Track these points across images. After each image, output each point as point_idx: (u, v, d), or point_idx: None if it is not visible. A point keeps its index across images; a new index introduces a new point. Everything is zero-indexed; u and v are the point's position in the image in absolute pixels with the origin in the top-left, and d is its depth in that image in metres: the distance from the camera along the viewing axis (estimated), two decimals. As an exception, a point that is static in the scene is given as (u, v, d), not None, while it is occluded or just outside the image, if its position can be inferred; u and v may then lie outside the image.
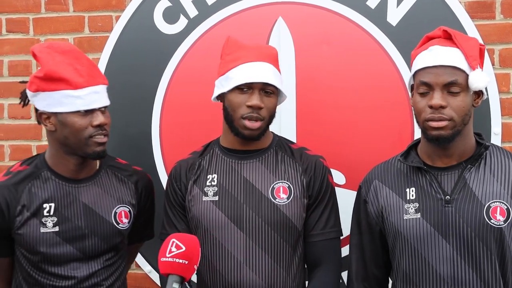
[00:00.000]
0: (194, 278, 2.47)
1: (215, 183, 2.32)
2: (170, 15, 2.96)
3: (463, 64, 2.04)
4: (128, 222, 2.39)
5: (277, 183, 2.30)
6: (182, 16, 2.96)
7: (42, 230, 2.26)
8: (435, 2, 2.73)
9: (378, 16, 2.78)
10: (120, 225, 2.36)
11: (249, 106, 2.23)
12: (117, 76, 3.00)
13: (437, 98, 2.02)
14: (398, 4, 2.77)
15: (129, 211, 2.40)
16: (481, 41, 2.66)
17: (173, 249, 1.88)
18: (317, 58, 2.83)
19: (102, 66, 3.02)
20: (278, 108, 2.73)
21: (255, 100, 2.22)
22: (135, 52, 2.99)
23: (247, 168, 2.32)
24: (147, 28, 2.97)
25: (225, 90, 2.28)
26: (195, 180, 2.35)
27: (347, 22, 2.80)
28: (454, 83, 2.03)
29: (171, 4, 2.96)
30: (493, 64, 2.73)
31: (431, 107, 2.03)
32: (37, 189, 2.29)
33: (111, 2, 3.05)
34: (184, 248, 1.88)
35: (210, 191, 2.31)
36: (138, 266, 3.07)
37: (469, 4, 2.75)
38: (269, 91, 2.26)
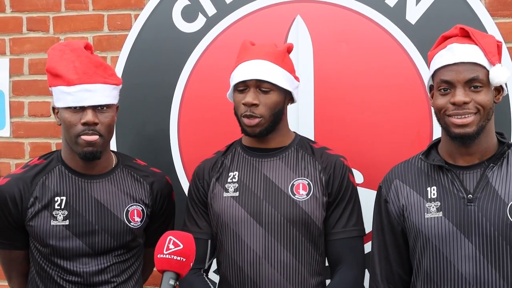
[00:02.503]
0: (213, 276, 2.48)
1: (236, 179, 2.34)
2: (189, 14, 2.97)
3: (483, 60, 2.04)
4: (141, 221, 2.39)
5: (296, 180, 2.31)
6: (200, 15, 2.96)
7: (52, 223, 2.29)
8: (455, 0, 2.71)
9: (397, 14, 2.77)
10: (131, 223, 2.36)
11: (244, 104, 2.27)
12: (136, 74, 3.02)
13: (460, 95, 2.02)
14: (417, 2, 2.75)
15: (142, 210, 2.40)
16: (500, 39, 2.65)
17: (171, 246, 1.89)
18: (335, 56, 2.82)
19: (120, 64, 3.04)
20: (295, 106, 2.75)
21: (247, 97, 2.26)
22: (154, 51, 3.00)
23: (267, 166, 2.34)
24: (166, 27, 2.98)
25: (229, 91, 2.36)
26: (217, 178, 2.38)
27: (366, 21, 2.79)
28: (476, 79, 2.03)
29: (189, 3, 2.97)
30: (513, 62, 2.70)
31: (454, 104, 2.03)
32: (50, 183, 2.33)
33: (130, 1, 3.06)
34: (181, 246, 1.90)
35: (231, 187, 2.34)
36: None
37: (489, 1, 2.72)
38: (265, 88, 2.27)
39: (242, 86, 2.29)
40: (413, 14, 2.76)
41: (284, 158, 2.35)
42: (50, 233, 2.29)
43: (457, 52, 2.06)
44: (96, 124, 2.24)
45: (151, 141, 3.00)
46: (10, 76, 3.19)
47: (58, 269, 2.31)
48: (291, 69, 2.35)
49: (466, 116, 2.03)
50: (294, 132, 2.46)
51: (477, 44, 2.07)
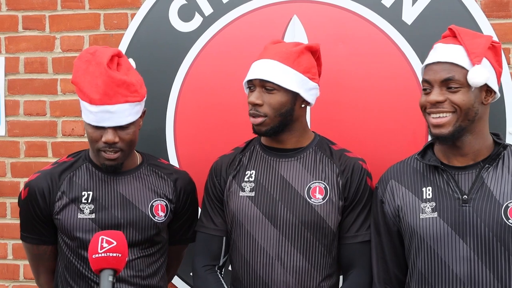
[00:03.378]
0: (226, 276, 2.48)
1: (253, 179, 2.34)
2: (185, 13, 2.97)
3: (462, 60, 2.05)
4: (165, 216, 2.44)
5: (313, 183, 2.31)
6: (197, 14, 2.96)
7: (80, 216, 2.36)
8: (451, 1, 2.73)
9: (393, 14, 2.78)
10: (156, 217, 2.41)
11: (249, 103, 2.29)
12: (132, 73, 3.01)
13: (434, 94, 2.05)
14: (413, 3, 2.76)
15: (166, 205, 2.45)
16: (496, 40, 2.66)
17: (105, 244, 1.95)
18: (331, 56, 2.82)
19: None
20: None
21: (251, 97, 2.29)
22: (150, 50, 3.00)
23: (284, 166, 2.34)
24: (162, 26, 2.98)
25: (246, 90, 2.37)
26: (234, 176, 2.38)
27: (362, 21, 2.80)
28: (451, 79, 2.04)
29: (186, 2, 2.97)
30: (508, 63, 2.72)
31: (429, 103, 2.06)
32: (77, 178, 2.41)
33: (127, 0, 3.06)
34: (115, 243, 1.96)
35: (247, 187, 2.34)
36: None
37: (485, 2, 2.74)
38: (269, 87, 2.27)
39: (250, 85, 2.31)
40: (409, 14, 2.77)
41: (301, 159, 2.34)
42: (77, 226, 2.35)
43: (439, 52, 2.09)
44: (116, 142, 2.29)
45: (147, 140, 2.99)
46: (5, 75, 3.18)
47: (85, 262, 2.33)
48: (305, 70, 2.30)
49: (442, 116, 2.05)
50: (313, 132, 2.45)
51: (461, 44, 2.07)
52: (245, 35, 2.87)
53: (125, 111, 2.28)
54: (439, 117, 2.05)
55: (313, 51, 2.38)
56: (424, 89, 2.10)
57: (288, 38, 2.84)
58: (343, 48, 2.81)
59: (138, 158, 2.50)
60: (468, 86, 2.04)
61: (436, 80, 2.05)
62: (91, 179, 2.41)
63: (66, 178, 2.41)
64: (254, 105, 2.27)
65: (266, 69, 2.27)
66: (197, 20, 2.97)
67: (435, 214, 2.09)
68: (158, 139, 2.99)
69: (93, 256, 1.95)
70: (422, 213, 2.11)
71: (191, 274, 2.51)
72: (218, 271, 2.39)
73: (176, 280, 2.98)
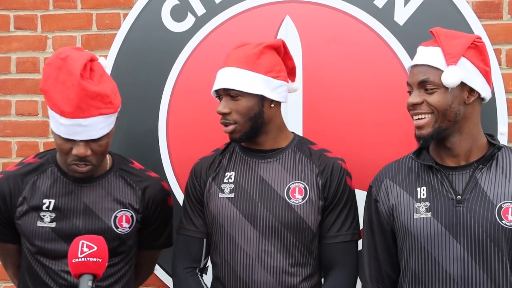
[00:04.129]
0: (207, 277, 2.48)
1: (232, 180, 2.34)
2: (178, 13, 2.97)
3: (437, 62, 2.07)
4: (130, 227, 2.36)
5: (293, 183, 2.31)
6: (189, 14, 2.96)
7: (39, 224, 2.29)
8: (443, 2, 2.74)
9: (385, 15, 2.79)
10: (119, 229, 2.34)
11: (218, 113, 2.31)
12: (124, 73, 3.00)
13: (412, 97, 2.11)
14: (405, 3, 2.77)
15: (131, 216, 2.37)
16: (487, 41, 2.67)
17: (85, 249, 1.93)
18: (324, 57, 2.83)
19: (109, 63, 3.03)
20: (284, 106, 2.75)
21: (219, 107, 2.31)
22: (143, 50, 3.00)
23: (264, 167, 2.34)
24: (155, 26, 2.98)
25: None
26: (214, 177, 2.38)
27: (354, 21, 2.81)
28: (426, 81, 2.07)
29: (178, 2, 2.96)
30: (500, 64, 2.73)
31: (408, 105, 2.11)
32: (41, 184, 2.33)
33: (119, 0, 3.05)
34: (96, 248, 1.94)
35: (227, 188, 2.34)
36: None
37: (476, 4, 2.75)
38: (233, 95, 2.29)
39: (218, 94, 2.34)
40: (402, 15, 2.78)
41: (281, 159, 2.35)
42: (36, 234, 2.29)
43: (418, 55, 2.14)
44: (87, 155, 2.20)
45: (139, 140, 2.99)
46: (-3, 75, 3.18)
47: (45, 268, 2.31)
48: (267, 70, 2.30)
49: (421, 117, 2.09)
50: (293, 133, 2.45)
51: (439, 46, 2.10)
52: (238, 35, 2.86)
53: (99, 123, 2.18)
54: (419, 118, 2.09)
55: (276, 48, 2.37)
56: (408, 92, 2.14)
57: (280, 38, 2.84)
58: (336, 48, 2.81)
59: (108, 162, 2.40)
60: (445, 87, 2.06)
61: (414, 82, 2.10)
62: (55, 185, 2.32)
63: (30, 182, 2.33)
64: (223, 114, 2.29)
65: (227, 77, 2.29)
66: (189, 20, 2.97)
67: (429, 214, 2.10)
68: (151, 139, 2.99)
69: (73, 261, 1.92)
70: (416, 213, 2.12)
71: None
72: (199, 273, 2.39)
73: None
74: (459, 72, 2.04)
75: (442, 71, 2.05)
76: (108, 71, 2.34)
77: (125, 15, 3.04)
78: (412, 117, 2.13)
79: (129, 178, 2.41)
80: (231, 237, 2.29)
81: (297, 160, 2.35)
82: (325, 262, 2.34)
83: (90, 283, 1.89)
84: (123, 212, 2.36)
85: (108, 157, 2.40)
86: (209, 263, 2.46)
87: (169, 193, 2.53)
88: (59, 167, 2.34)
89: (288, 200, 2.28)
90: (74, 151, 2.19)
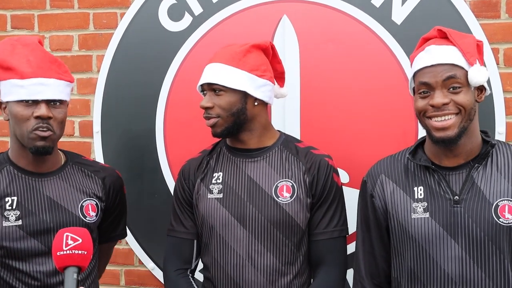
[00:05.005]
0: (198, 275, 2.48)
1: (220, 180, 2.35)
2: (175, 13, 2.96)
3: (460, 61, 2.04)
4: (96, 216, 2.36)
5: (280, 182, 2.31)
6: (187, 14, 2.96)
7: (5, 224, 2.23)
8: (440, 1, 2.73)
9: (383, 14, 2.78)
10: (87, 218, 2.33)
11: (200, 107, 2.33)
12: (121, 73, 3.01)
13: (439, 97, 2.02)
14: (403, 3, 2.77)
15: (96, 204, 2.38)
16: (484, 40, 2.67)
17: (70, 242, 1.91)
18: (321, 56, 2.83)
19: (106, 63, 3.03)
20: (282, 105, 2.75)
21: (202, 101, 2.32)
22: (140, 49, 2.99)
23: (251, 167, 2.34)
24: (152, 25, 2.98)
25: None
26: (202, 178, 2.38)
27: (352, 21, 2.80)
28: (453, 77, 2.02)
29: (176, 2, 2.96)
30: (497, 63, 2.73)
31: (433, 106, 2.03)
32: None
33: (116, -1, 3.06)
34: (80, 240, 1.92)
35: (215, 189, 2.34)
36: (141, 263, 3.08)
37: (474, 3, 2.75)
38: (217, 89, 2.30)
39: (203, 90, 2.35)
40: (399, 14, 2.77)
41: (267, 158, 2.35)
42: (3, 235, 2.22)
43: (434, 54, 2.06)
44: (50, 118, 2.20)
45: (136, 140, 2.99)
46: (-6, 74, 3.16)
47: (14, 272, 2.24)
48: (252, 68, 2.31)
49: (447, 118, 2.03)
50: (279, 131, 2.45)
51: (455, 45, 2.07)
52: (235, 34, 2.86)
53: (59, 86, 2.23)
54: (444, 119, 2.03)
55: (263, 49, 2.38)
56: (422, 92, 2.06)
57: (278, 38, 2.84)
58: (333, 47, 2.81)
59: (62, 157, 2.40)
60: (468, 86, 2.04)
61: (438, 81, 2.03)
62: (14, 183, 2.27)
63: None
64: (206, 108, 2.30)
65: (212, 72, 2.31)
66: (186, 20, 2.96)
67: (427, 215, 2.09)
68: (148, 139, 2.99)
69: (58, 253, 1.89)
70: (414, 213, 2.11)
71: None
72: (190, 274, 2.39)
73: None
74: (485, 71, 2.04)
75: (465, 70, 2.03)
76: None
77: (122, 15, 3.03)
78: (428, 120, 2.05)
79: (86, 169, 2.42)
80: (221, 237, 2.29)
81: (284, 159, 2.35)
82: (313, 259, 2.34)
83: (75, 275, 1.87)
84: (88, 201, 2.36)
85: (60, 152, 2.40)
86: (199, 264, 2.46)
87: (123, 182, 2.55)
88: (14, 165, 2.31)
89: (276, 199, 2.28)
90: (37, 113, 2.18)
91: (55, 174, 2.34)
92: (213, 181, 2.35)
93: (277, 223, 2.27)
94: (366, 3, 2.79)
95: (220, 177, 2.35)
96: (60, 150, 2.42)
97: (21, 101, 2.20)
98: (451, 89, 2.03)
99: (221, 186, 2.33)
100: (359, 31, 2.80)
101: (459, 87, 2.03)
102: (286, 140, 2.41)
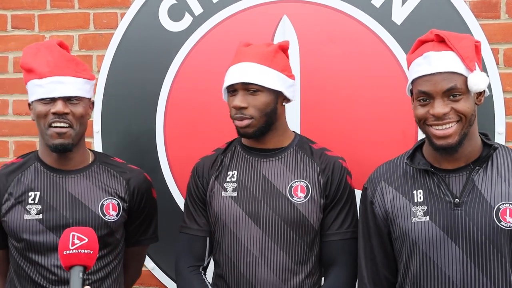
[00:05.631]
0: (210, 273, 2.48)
1: (235, 179, 2.36)
2: (175, 13, 2.96)
3: (460, 68, 2.02)
4: (117, 215, 2.38)
5: (295, 182, 2.32)
6: (187, 14, 2.96)
7: (26, 217, 2.30)
8: (440, 1, 2.74)
9: (383, 15, 2.78)
10: (107, 217, 2.36)
11: (233, 107, 2.30)
12: (122, 73, 3.01)
13: (439, 107, 2.01)
14: (403, 3, 2.77)
15: (118, 203, 2.39)
16: (484, 40, 2.67)
17: (76, 241, 1.94)
18: (321, 56, 2.83)
19: (106, 63, 3.03)
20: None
21: (236, 101, 2.29)
22: (140, 50, 2.99)
23: (266, 166, 2.35)
24: (152, 26, 2.98)
25: (224, 94, 2.39)
26: (216, 176, 2.39)
27: (352, 21, 2.81)
28: (454, 89, 2.01)
29: (176, 2, 2.96)
30: (497, 64, 2.73)
31: (433, 115, 2.02)
32: (25, 179, 2.36)
33: (116, -1, 3.06)
34: (87, 240, 1.95)
35: (230, 187, 2.35)
36: (141, 262, 3.07)
37: (474, 3, 2.75)
38: (253, 89, 2.29)
39: (232, 89, 2.32)
40: (399, 15, 2.77)
41: (283, 159, 2.36)
42: (24, 227, 2.29)
43: (433, 62, 2.03)
44: (66, 114, 2.27)
45: (137, 140, 2.99)
46: (-6, 74, 3.17)
47: (34, 265, 2.30)
48: (283, 68, 2.34)
49: (448, 126, 2.02)
50: (294, 132, 2.46)
51: (453, 50, 2.04)
52: (235, 34, 2.86)
53: (76, 83, 2.30)
54: (445, 128, 2.02)
55: (284, 49, 2.40)
56: (422, 100, 2.05)
57: (278, 38, 2.84)
58: (333, 48, 2.81)
59: (91, 157, 2.45)
60: (468, 92, 2.02)
61: (438, 91, 2.01)
62: (39, 178, 2.36)
63: (15, 180, 2.36)
64: (240, 108, 2.28)
65: (247, 72, 2.29)
66: (187, 20, 2.96)
67: (427, 218, 2.08)
68: (148, 139, 2.99)
69: (64, 253, 1.92)
70: (414, 217, 2.10)
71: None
72: (202, 272, 2.39)
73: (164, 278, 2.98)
74: (485, 77, 2.02)
75: (465, 76, 2.01)
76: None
77: (122, 15, 3.04)
78: (429, 127, 2.05)
79: (112, 169, 2.45)
80: (234, 235, 2.30)
81: (299, 159, 2.36)
82: (325, 260, 2.35)
83: (81, 275, 1.90)
84: (109, 200, 2.38)
85: (90, 152, 2.47)
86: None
87: (152, 184, 2.56)
88: (42, 162, 2.38)
89: (291, 199, 2.30)
90: (53, 109, 2.26)
91: (79, 172, 2.39)
92: (228, 179, 2.36)
93: (291, 222, 2.28)
94: (366, 3, 2.80)
95: (235, 176, 2.36)
96: (91, 150, 2.49)
97: (41, 99, 2.29)
98: (451, 96, 2.01)
99: (235, 185, 2.34)
100: (359, 32, 2.80)
101: (459, 95, 2.01)
102: (301, 141, 2.42)
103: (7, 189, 2.34)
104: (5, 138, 3.17)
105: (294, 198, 2.30)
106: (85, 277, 1.91)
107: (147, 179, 2.53)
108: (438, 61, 2.03)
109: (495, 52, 2.72)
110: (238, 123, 2.31)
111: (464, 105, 2.02)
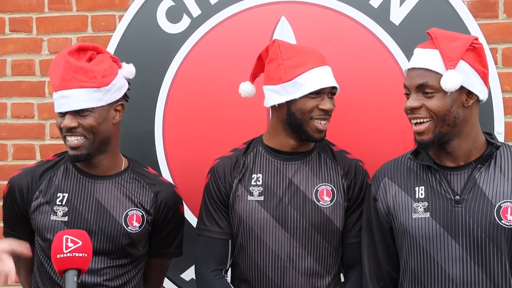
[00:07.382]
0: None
1: (260, 183, 2.35)
2: (173, 14, 2.96)
3: (436, 66, 2.05)
4: (140, 227, 2.37)
5: (320, 186, 2.34)
6: (185, 15, 2.96)
7: (52, 217, 2.34)
8: (438, 1, 2.74)
9: (381, 15, 2.78)
10: (129, 227, 2.35)
11: (322, 109, 2.29)
12: (120, 75, 3.00)
13: (410, 100, 2.07)
14: (401, 3, 2.77)
15: (142, 215, 2.38)
16: (483, 40, 2.67)
17: (70, 244, 1.92)
18: (320, 57, 2.82)
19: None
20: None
21: (329, 104, 2.30)
22: (138, 52, 2.99)
23: (291, 170, 2.35)
24: (150, 28, 2.97)
25: (296, 96, 2.28)
26: (240, 179, 2.37)
27: (350, 22, 2.81)
28: (425, 85, 2.05)
29: (174, 4, 2.96)
30: (496, 63, 2.73)
31: (405, 108, 2.09)
32: (56, 179, 2.40)
33: (114, 2, 3.05)
34: (81, 243, 1.93)
35: (256, 191, 2.34)
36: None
37: (472, 3, 2.75)
38: (334, 93, 2.34)
39: (316, 92, 2.28)
40: (397, 15, 2.78)
41: (307, 162, 2.37)
42: (49, 228, 2.33)
43: (415, 57, 2.11)
44: (75, 127, 2.28)
45: (136, 141, 2.98)
46: (-8, 77, 3.17)
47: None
48: None
49: (419, 121, 2.07)
50: None
51: (437, 48, 2.07)
52: (234, 36, 2.87)
53: (81, 95, 2.27)
54: (418, 123, 2.07)
55: None
56: (406, 94, 2.12)
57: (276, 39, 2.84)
58: (331, 48, 2.81)
59: (124, 164, 2.46)
60: (444, 91, 2.04)
61: (412, 86, 2.08)
62: (69, 180, 2.39)
63: (47, 178, 2.40)
64: (329, 111, 2.31)
65: (332, 76, 2.33)
66: (185, 22, 2.96)
67: (427, 214, 2.09)
68: (147, 141, 2.98)
69: (58, 256, 1.90)
70: (415, 213, 2.12)
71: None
72: (225, 275, 2.38)
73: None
74: (459, 77, 2.02)
75: (441, 74, 2.03)
76: (128, 74, 2.49)
77: (120, 17, 3.03)
78: (410, 121, 2.11)
79: (142, 180, 2.44)
80: (261, 240, 2.30)
81: (322, 162, 2.38)
82: (346, 261, 2.38)
83: (75, 278, 1.88)
84: (134, 211, 2.38)
85: (124, 159, 2.47)
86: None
87: (181, 200, 2.53)
88: (74, 163, 2.40)
89: (317, 203, 2.31)
90: (62, 125, 2.30)
91: (109, 178, 2.40)
92: (253, 183, 2.35)
93: (318, 226, 2.30)
94: (364, 4, 2.80)
95: (260, 179, 2.35)
96: (125, 156, 2.48)
97: (57, 113, 2.34)
98: (424, 93, 2.05)
99: (261, 189, 2.34)
100: (357, 32, 2.80)
101: (432, 92, 2.04)
102: (322, 143, 2.42)
103: (38, 187, 2.39)
104: (4, 141, 3.16)
105: (320, 202, 2.32)
106: (79, 281, 1.89)
107: (176, 194, 2.51)
108: (418, 57, 2.11)
109: (493, 51, 2.72)
110: (322, 126, 2.29)
111: (434, 104, 2.04)
